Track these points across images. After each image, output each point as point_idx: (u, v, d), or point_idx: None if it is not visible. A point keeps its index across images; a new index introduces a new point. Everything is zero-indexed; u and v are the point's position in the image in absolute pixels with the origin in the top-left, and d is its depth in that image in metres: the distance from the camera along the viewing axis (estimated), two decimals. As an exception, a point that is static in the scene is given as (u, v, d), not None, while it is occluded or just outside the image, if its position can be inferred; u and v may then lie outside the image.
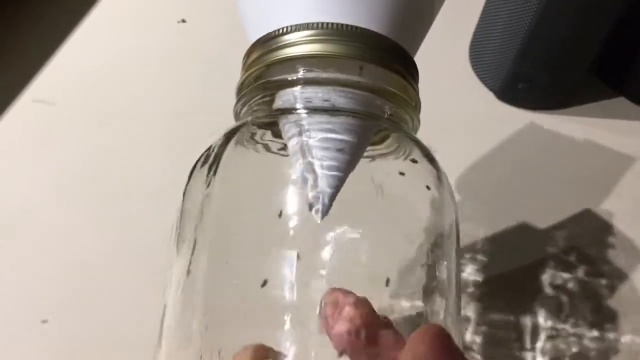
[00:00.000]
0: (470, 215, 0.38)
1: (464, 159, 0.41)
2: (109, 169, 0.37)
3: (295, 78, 0.19)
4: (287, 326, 0.18)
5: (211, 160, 0.20)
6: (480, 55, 0.44)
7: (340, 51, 0.18)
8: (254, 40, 0.20)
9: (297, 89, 0.19)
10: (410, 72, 0.20)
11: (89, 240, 0.33)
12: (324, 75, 0.19)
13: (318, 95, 0.19)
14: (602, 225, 0.39)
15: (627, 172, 0.42)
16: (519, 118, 0.43)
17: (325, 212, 0.18)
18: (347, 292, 0.17)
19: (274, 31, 0.19)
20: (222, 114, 0.41)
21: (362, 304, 0.17)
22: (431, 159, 0.21)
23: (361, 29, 0.19)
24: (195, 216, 0.20)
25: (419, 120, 0.22)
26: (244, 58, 0.21)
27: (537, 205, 0.39)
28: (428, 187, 0.21)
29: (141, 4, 0.45)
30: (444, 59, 0.46)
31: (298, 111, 0.19)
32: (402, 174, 0.20)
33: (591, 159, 0.42)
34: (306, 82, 0.19)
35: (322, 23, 0.19)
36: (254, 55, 0.20)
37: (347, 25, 0.19)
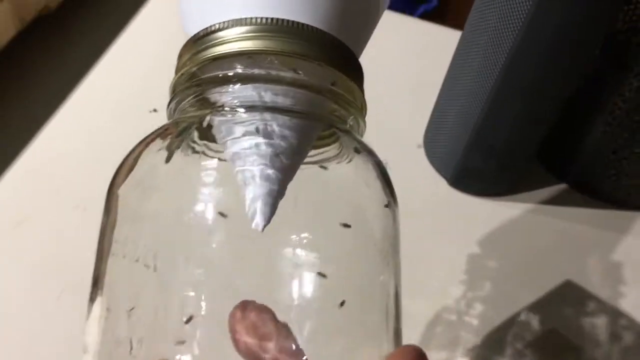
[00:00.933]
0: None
1: (417, 243, 0.43)
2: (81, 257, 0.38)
3: (229, 74, 0.18)
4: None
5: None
6: (433, 145, 0.47)
7: (276, 47, 0.17)
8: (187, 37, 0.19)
9: (231, 86, 0.18)
10: (354, 70, 0.19)
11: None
12: (258, 71, 0.18)
13: (251, 92, 0.18)
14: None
15: (567, 254, 0.45)
16: (470, 204, 0.46)
17: (265, 220, 0.17)
18: (248, 302, 0.17)
19: (207, 28, 0.18)
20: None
21: (262, 311, 0.17)
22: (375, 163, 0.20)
23: (300, 24, 0.18)
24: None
25: (365, 123, 0.21)
26: (177, 59, 0.20)
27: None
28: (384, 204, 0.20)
29: (116, 95, 0.48)
30: (400, 143, 0.49)
31: (230, 110, 0.18)
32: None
33: (536, 242, 0.45)
34: (240, 79, 0.18)
35: (257, 18, 0.18)
36: (186, 56, 0.19)
37: (284, 20, 0.18)
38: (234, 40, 0.18)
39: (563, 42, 0.36)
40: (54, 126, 0.45)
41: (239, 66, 0.18)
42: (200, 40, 0.18)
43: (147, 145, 0.19)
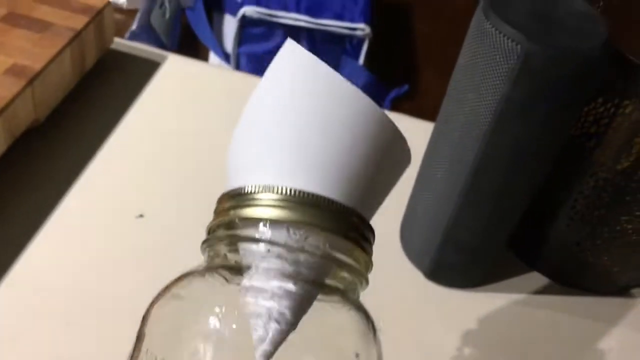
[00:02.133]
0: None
1: (394, 333, 0.45)
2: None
3: (258, 237, 0.21)
4: None
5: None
6: (409, 241, 0.50)
7: (298, 219, 0.20)
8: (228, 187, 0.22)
9: (262, 248, 0.21)
10: (365, 239, 0.22)
11: None
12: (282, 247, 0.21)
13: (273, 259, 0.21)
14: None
15: (539, 341, 0.47)
16: (446, 296, 0.48)
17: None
18: None
19: (242, 187, 0.21)
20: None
21: None
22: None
23: (318, 197, 0.20)
24: None
25: (367, 282, 0.23)
26: (217, 203, 0.23)
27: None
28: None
29: (102, 202, 0.49)
30: (378, 235, 0.51)
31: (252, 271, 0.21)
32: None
33: (513, 331, 0.47)
34: (270, 243, 0.21)
35: (285, 188, 0.20)
36: (225, 204, 0.22)
37: (305, 193, 0.20)
38: (263, 205, 0.21)
39: (522, 153, 0.39)
40: (40, 240, 0.46)
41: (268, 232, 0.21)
42: (236, 197, 0.21)
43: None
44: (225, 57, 0.99)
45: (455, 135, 0.40)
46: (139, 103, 0.58)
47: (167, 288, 0.24)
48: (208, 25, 1.01)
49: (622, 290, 0.51)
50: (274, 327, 0.20)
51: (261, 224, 0.21)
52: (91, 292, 0.44)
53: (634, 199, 0.43)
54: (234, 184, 0.22)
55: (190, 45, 1.04)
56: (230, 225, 0.22)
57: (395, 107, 0.41)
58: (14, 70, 0.49)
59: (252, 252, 0.21)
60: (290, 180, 0.21)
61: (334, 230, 0.21)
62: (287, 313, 0.20)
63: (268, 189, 0.21)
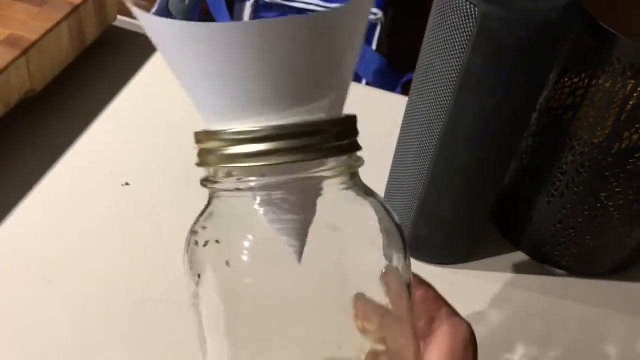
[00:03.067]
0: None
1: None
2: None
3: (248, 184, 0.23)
4: None
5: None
6: (389, 216, 0.49)
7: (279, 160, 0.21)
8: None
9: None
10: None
11: None
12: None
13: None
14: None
15: (517, 321, 0.46)
16: (424, 272, 0.48)
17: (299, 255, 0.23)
18: None
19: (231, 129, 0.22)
20: (164, 268, 0.45)
21: None
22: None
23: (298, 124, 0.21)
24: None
25: (359, 161, 0.24)
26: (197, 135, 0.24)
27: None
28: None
29: (90, 170, 0.51)
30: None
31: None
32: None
33: (491, 310, 0.46)
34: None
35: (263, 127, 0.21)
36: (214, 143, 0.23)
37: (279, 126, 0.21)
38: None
39: (488, 124, 0.38)
40: (29, 204, 0.48)
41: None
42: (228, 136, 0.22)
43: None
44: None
45: (425, 108, 0.40)
46: (137, 79, 0.60)
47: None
48: (227, 11, 1.02)
49: (606, 274, 0.49)
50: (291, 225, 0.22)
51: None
52: (80, 256, 0.45)
53: (612, 173, 0.42)
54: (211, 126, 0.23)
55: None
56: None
57: (407, 91, 0.41)
58: (9, 41, 0.50)
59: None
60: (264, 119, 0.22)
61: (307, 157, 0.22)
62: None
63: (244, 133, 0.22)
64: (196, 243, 0.25)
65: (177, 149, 0.53)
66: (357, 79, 1.00)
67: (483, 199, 0.44)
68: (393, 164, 0.47)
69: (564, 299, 0.48)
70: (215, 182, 0.23)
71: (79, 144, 0.53)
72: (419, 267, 0.48)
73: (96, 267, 0.45)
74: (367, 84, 0.97)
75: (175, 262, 0.46)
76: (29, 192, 0.49)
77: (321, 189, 0.23)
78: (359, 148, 0.24)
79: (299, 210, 0.23)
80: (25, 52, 0.50)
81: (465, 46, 0.35)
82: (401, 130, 0.44)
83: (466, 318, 0.46)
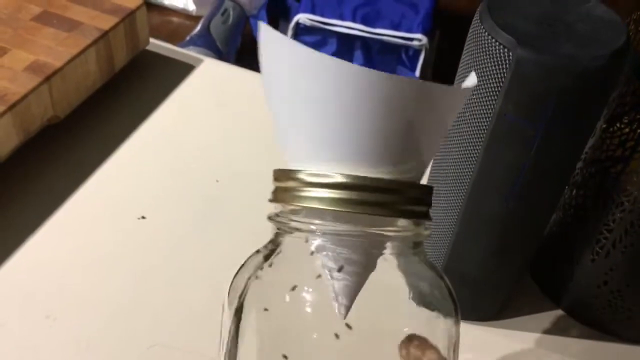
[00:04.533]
0: None
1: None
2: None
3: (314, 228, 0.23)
4: None
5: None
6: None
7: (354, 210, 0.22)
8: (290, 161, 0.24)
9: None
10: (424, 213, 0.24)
11: None
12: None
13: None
14: None
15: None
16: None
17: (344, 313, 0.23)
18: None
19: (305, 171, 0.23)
20: (173, 311, 0.43)
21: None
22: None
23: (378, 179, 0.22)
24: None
25: (427, 228, 0.25)
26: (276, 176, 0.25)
27: None
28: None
29: (109, 202, 0.49)
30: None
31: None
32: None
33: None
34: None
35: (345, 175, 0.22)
36: (291, 183, 0.23)
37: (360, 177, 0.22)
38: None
39: (520, 178, 0.34)
40: (44, 233, 0.47)
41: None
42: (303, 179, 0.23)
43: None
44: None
45: (453, 156, 0.36)
46: (164, 107, 0.58)
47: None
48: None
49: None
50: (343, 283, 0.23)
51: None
52: (85, 293, 0.44)
53: (666, 236, 0.37)
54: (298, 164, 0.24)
55: (251, 54, 1.04)
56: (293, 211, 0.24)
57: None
58: (33, 67, 0.50)
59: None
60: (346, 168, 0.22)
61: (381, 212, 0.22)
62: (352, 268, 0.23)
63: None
64: (257, 277, 0.25)
65: (196, 186, 0.52)
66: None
67: (516, 255, 0.40)
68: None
69: (608, 368, 0.43)
70: (285, 222, 0.24)
71: (97, 174, 0.52)
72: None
73: (102, 306, 0.43)
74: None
75: (186, 304, 0.44)
76: (41, 224, 0.47)
77: (384, 249, 0.23)
78: (429, 218, 0.24)
79: (357, 266, 0.23)
80: (48, 79, 0.49)
81: (497, 94, 0.31)
82: (429, 178, 0.41)
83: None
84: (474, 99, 0.33)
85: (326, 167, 0.22)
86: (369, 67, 0.21)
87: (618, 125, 0.36)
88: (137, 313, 0.43)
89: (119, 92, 0.59)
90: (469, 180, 0.35)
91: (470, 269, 0.40)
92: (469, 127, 0.34)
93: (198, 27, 0.97)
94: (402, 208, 0.22)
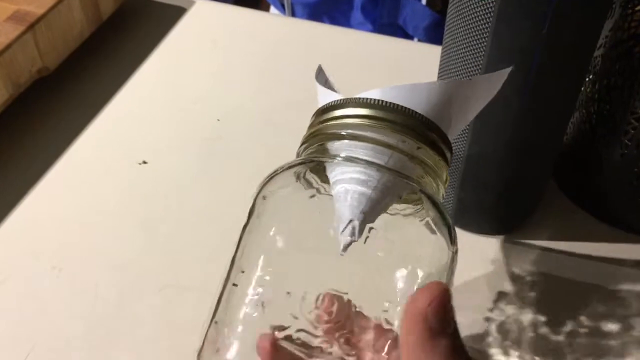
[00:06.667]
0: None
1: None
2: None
3: (343, 133, 0.24)
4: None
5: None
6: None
7: (387, 117, 0.23)
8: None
9: (344, 142, 0.24)
10: (443, 150, 0.24)
11: None
12: (366, 134, 0.23)
13: (358, 149, 0.24)
14: None
15: (587, 299, 0.39)
16: (471, 244, 0.42)
17: (356, 235, 0.23)
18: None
19: (332, 102, 0.25)
20: (181, 251, 0.41)
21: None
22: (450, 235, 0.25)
23: (406, 108, 0.23)
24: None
25: (444, 190, 0.26)
26: (311, 118, 0.26)
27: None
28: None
29: (109, 149, 0.48)
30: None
31: (339, 158, 0.24)
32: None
33: (552, 286, 0.40)
34: (351, 137, 0.24)
35: (373, 100, 0.23)
36: (317, 118, 0.25)
37: (394, 104, 0.23)
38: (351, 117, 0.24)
39: (533, 69, 0.31)
40: (45, 185, 0.45)
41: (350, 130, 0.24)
42: (327, 111, 0.25)
43: (283, 169, 0.26)
44: (283, 8, 0.95)
45: (460, 50, 0.33)
46: (158, 51, 0.56)
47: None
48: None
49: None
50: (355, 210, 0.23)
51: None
52: (91, 242, 0.42)
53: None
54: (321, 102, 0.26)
55: (250, 0, 1.00)
56: (319, 131, 0.25)
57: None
58: (15, 17, 0.47)
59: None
60: (375, 95, 0.24)
61: (422, 137, 0.24)
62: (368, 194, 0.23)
63: (354, 102, 0.24)
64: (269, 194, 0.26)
65: (196, 127, 0.49)
66: (408, 37, 0.93)
67: (536, 157, 0.37)
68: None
69: (645, 270, 0.40)
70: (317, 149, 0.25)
71: (95, 123, 0.50)
72: (468, 238, 0.42)
73: (109, 253, 0.41)
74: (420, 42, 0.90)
75: (195, 245, 0.42)
76: (42, 176, 0.46)
77: (401, 195, 0.24)
78: (448, 163, 0.25)
79: (372, 197, 0.23)
80: (31, 27, 0.47)
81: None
82: (438, 77, 0.38)
83: (520, 297, 0.39)
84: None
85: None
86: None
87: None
88: (145, 258, 0.41)
89: (109, 41, 0.56)
90: (479, 70, 0.32)
91: (490, 174, 0.38)
92: (473, 10, 0.31)
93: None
94: (425, 137, 0.24)
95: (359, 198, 0.23)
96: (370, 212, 0.23)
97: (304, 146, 0.26)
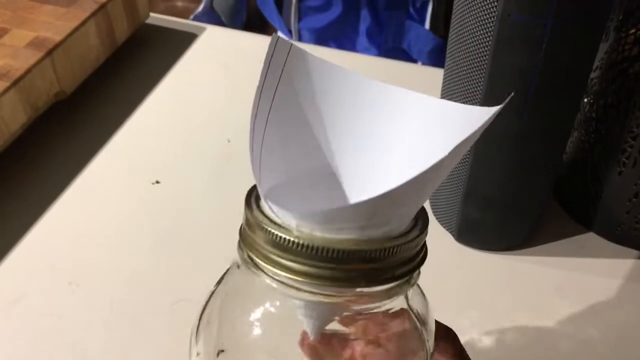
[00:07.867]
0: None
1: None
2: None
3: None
4: None
5: None
6: (435, 198, 0.44)
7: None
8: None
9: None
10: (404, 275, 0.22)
11: None
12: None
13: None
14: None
15: (589, 313, 0.40)
16: (478, 261, 0.43)
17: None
18: None
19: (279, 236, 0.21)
20: (193, 266, 0.42)
21: None
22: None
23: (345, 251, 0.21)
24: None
25: (416, 276, 0.24)
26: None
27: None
28: None
29: (119, 172, 0.49)
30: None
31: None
32: None
33: (556, 300, 0.41)
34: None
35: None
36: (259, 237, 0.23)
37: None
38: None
39: (530, 90, 0.33)
40: (62, 204, 0.47)
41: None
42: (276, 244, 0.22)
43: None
44: (290, 33, 0.98)
45: (461, 72, 0.35)
46: (171, 75, 0.58)
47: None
48: (274, 4, 1.00)
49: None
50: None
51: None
52: (107, 258, 0.44)
53: (694, 133, 0.35)
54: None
55: (257, 28, 1.03)
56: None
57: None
58: (35, 43, 0.50)
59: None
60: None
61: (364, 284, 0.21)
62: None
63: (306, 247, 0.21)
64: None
65: (207, 148, 0.51)
66: (412, 61, 0.94)
67: (537, 175, 0.38)
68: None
69: (646, 284, 0.41)
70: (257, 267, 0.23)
71: (110, 144, 0.51)
72: (472, 255, 0.43)
73: (124, 269, 0.43)
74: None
75: (206, 261, 0.44)
76: (59, 195, 0.47)
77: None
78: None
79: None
80: (50, 52, 0.49)
81: (498, -8, 0.30)
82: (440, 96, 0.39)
83: (529, 311, 0.40)
84: (475, 1, 0.31)
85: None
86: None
87: (632, 21, 0.34)
88: (159, 273, 0.43)
89: (125, 65, 0.58)
90: (480, 91, 0.34)
91: (492, 191, 0.39)
92: (473, 34, 0.32)
93: (202, 5, 0.97)
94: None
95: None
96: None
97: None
